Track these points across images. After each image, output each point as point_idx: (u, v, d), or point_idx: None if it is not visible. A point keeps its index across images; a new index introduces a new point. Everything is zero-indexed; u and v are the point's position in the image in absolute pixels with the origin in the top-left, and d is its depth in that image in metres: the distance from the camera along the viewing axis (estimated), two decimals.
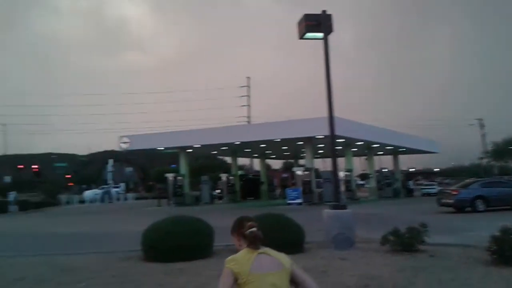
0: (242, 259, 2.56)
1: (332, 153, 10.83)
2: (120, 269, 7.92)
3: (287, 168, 71.52)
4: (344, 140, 27.66)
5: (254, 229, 2.68)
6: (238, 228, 2.77)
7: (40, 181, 49.30)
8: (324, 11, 10.34)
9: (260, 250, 2.61)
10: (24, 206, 30.43)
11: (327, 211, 10.13)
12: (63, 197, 43.99)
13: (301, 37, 10.54)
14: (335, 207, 10.18)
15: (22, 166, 67.12)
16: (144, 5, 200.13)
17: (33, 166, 51.55)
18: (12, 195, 29.91)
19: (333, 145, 10.67)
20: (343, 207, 10.21)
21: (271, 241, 8.58)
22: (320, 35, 10.39)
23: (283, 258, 2.69)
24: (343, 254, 8.83)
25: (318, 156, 45.10)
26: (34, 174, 49.33)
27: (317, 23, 10.30)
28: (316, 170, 36.30)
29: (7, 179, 53.52)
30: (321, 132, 25.21)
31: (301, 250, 9.23)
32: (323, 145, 33.10)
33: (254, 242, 2.63)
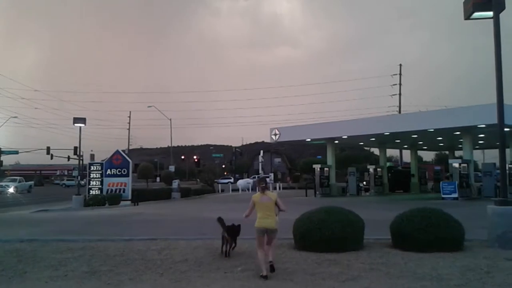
0: (257, 196, 7.04)
1: (501, 144, 9.71)
2: None
3: (441, 160, 66.46)
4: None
5: (263, 185, 7.11)
6: (259, 183, 7.29)
7: (200, 170, 54.14)
8: None
9: (264, 193, 7.01)
10: (186, 193, 33.75)
11: (492, 207, 9.19)
12: (219, 185, 47.61)
13: (468, 17, 9.66)
14: (502, 203, 9.17)
15: (184, 157, 74.91)
16: (295, 1, 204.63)
17: (194, 157, 57.02)
18: (175, 183, 33.28)
19: (502, 135, 9.58)
20: (511, 203, 9.14)
21: (427, 237, 8.23)
22: (490, 13, 9.38)
23: (272, 195, 7.12)
24: (510, 254, 8.00)
25: (477, 147, 40.95)
26: (195, 164, 54.33)
27: (487, 0, 9.32)
28: (475, 163, 33.01)
29: (171, 168, 59.98)
30: (485, 120, 22.83)
31: (460, 248, 8.60)
32: (483, 135, 29.93)
33: (262, 191, 7.00)
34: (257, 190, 7.21)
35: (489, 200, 15.99)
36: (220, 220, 8.70)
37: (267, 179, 12.51)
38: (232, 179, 66.22)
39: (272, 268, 6.84)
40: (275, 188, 47.73)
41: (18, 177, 53.12)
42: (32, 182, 54.97)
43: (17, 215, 20.23)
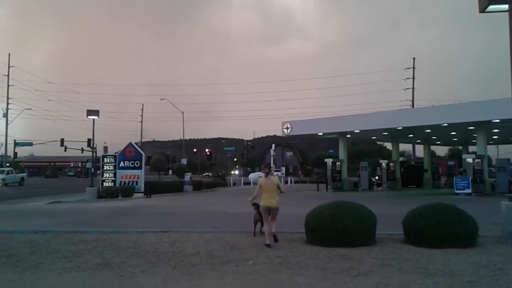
0: (262, 180, 9.07)
1: None
2: (284, 250, 8.29)
3: (454, 155, 65.74)
4: None
5: (267, 170, 9.73)
6: (263, 169, 10.34)
7: (212, 163, 54.29)
8: None
9: (268, 177, 9.12)
10: (198, 186, 33.88)
11: (506, 203, 9.08)
12: (231, 178, 47.74)
13: (483, 10, 9.48)
14: None
15: (196, 150, 75.23)
16: None
17: (206, 150, 57.20)
18: (187, 176, 33.38)
19: None
20: None
21: (439, 233, 8.16)
22: (505, 7, 9.21)
23: (275, 179, 9.13)
24: None
25: (491, 142, 40.42)
26: (207, 157, 54.49)
27: None
28: (489, 158, 32.61)
29: (184, 161, 60.24)
30: (499, 115, 22.54)
31: (474, 244, 8.54)
32: (498, 130, 29.53)
33: (266, 175, 9.21)
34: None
35: (503, 196, 15.79)
36: (254, 204, 9.76)
37: (278, 173, 15.34)
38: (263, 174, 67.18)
39: (275, 239, 8.84)
40: (286, 182, 47.81)
41: (7, 168, 47.08)
42: (24, 174, 50.98)
43: (32, 206, 20.54)
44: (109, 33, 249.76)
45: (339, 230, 8.44)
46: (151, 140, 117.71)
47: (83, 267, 7.09)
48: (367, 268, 6.77)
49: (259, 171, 55.39)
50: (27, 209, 19.11)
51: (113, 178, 26.23)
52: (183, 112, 60.47)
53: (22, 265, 7.26)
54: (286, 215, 13.55)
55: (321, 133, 34.61)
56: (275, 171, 49.63)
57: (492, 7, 9.41)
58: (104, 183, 26.24)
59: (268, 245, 8.46)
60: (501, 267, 6.82)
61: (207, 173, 61.28)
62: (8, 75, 60.68)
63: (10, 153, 63.39)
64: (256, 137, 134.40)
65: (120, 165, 26.35)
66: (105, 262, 7.39)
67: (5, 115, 61.25)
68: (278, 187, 8.98)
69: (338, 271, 6.62)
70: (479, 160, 26.35)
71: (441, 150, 77.54)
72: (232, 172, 60.73)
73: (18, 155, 66.51)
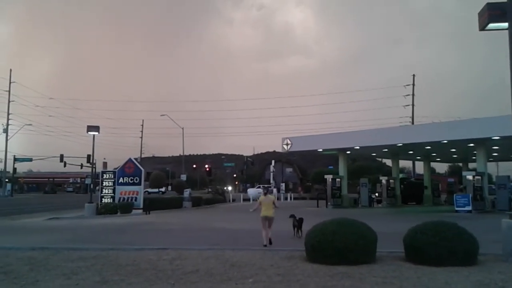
0: (262, 197, 12.05)
1: None
2: (284, 268, 8.22)
3: (454, 172, 65.69)
4: None
5: (265, 191, 12.45)
6: (263, 190, 13.47)
7: (211, 179, 54.21)
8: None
9: (266, 196, 12.10)
10: (197, 202, 33.70)
11: (506, 221, 9.03)
12: (230, 194, 47.59)
13: (483, 28, 9.61)
14: None
15: (195, 166, 75.19)
16: (308, 10, 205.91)
17: (205, 166, 57.16)
18: (186, 192, 33.24)
19: None
20: None
21: (440, 251, 8.09)
22: (505, 25, 9.32)
23: (272, 197, 12.43)
24: None
25: (491, 159, 40.41)
26: (206, 173, 54.44)
27: (502, 12, 9.28)
28: (489, 175, 32.55)
29: (183, 177, 60.11)
30: (499, 132, 22.58)
31: (474, 262, 8.47)
32: (498, 147, 29.55)
33: (265, 194, 12.16)
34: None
35: (503, 213, 15.73)
36: (291, 215, 13.51)
37: (273, 189, 16.69)
38: (164, 188, 71.85)
39: (270, 241, 11.42)
40: (286, 199, 47.66)
41: None
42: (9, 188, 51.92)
43: (29, 223, 20.41)
44: (110, 49, 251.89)
45: (340, 247, 8.38)
46: (151, 156, 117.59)
47: (81, 285, 7.01)
48: (368, 287, 6.71)
49: (258, 186, 55.60)
50: (26, 225, 18.98)
51: (112, 194, 26.15)
52: (183, 128, 60.57)
53: (20, 282, 7.19)
54: (287, 232, 13.47)
55: (321, 150, 34.62)
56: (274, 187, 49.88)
57: (492, 25, 9.53)
58: (103, 199, 26.14)
59: (265, 245, 11.12)
60: (503, 285, 6.77)
61: (209, 189, 61.32)
62: (9, 91, 60.98)
63: (10, 168, 63.32)
64: (256, 153, 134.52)
65: (120, 181, 26.29)
66: (103, 280, 7.32)
67: (5, 130, 61.33)
68: (273, 203, 11.98)
69: None
70: (479, 177, 26.32)
71: (441, 167, 77.63)
72: (227, 188, 60.61)
73: (18, 170, 66.40)
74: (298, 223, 13.19)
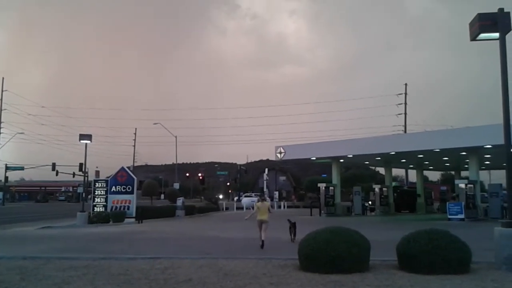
0: (258, 203, 13.63)
1: (508, 165, 9.63)
2: (277, 277, 8.18)
3: (447, 180, 66.02)
4: None
5: (263, 198, 14.42)
6: (259, 198, 14.47)
7: (204, 188, 54.07)
8: (501, 9, 9.43)
9: (262, 201, 13.67)
10: (190, 211, 33.58)
11: (499, 229, 9.07)
12: (223, 203, 47.47)
13: (474, 38, 9.71)
14: (509, 225, 9.05)
15: (188, 174, 74.93)
16: (301, 21, 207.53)
17: (198, 174, 56.99)
18: (179, 201, 33.10)
19: (509, 156, 9.52)
20: None
21: (433, 259, 8.10)
22: (496, 35, 9.44)
23: (267, 203, 13.76)
24: None
25: (484, 168, 40.71)
26: (199, 181, 54.28)
27: (493, 22, 9.41)
28: (481, 183, 32.80)
29: (176, 185, 59.84)
30: (491, 141, 22.76)
31: (467, 270, 8.47)
32: (490, 156, 29.80)
33: (261, 201, 13.65)
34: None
35: (496, 221, 15.82)
36: (289, 220, 14.78)
37: (267, 198, 17.36)
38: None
39: (262, 244, 12.59)
40: (279, 207, 47.59)
41: None
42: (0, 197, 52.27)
43: (21, 232, 20.20)
44: (103, 58, 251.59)
45: (333, 256, 8.36)
46: (144, 164, 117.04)
47: None
48: None
49: (252, 195, 55.62)
50: (17, 234, 18.79)
51: (105, 203, 25.97)
52: (176, 137, 60.49)
53: None
54: (275, 241, 13.46)
55: (314, 158, 34.70)
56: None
57: (483, 35, 9.62)
58: (95, 208, 25.94)
59: (261, 245, 12.62)
60: None
61: (202, 197, 61.27)
62: (1, 100, 60.61)
63: (1, 177, 62.75)
64: (249, 161, 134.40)
65: (112, 190, 26.14)
66: None
67: None
68: (268, 209, 13.44)
69: None
70: (472, 185, 26.48)
71: (433, 175, 77.94)
72: (219, 196, 60.60)
73: (9, 179, 65.82)
74: (293, 227, 14.36)
